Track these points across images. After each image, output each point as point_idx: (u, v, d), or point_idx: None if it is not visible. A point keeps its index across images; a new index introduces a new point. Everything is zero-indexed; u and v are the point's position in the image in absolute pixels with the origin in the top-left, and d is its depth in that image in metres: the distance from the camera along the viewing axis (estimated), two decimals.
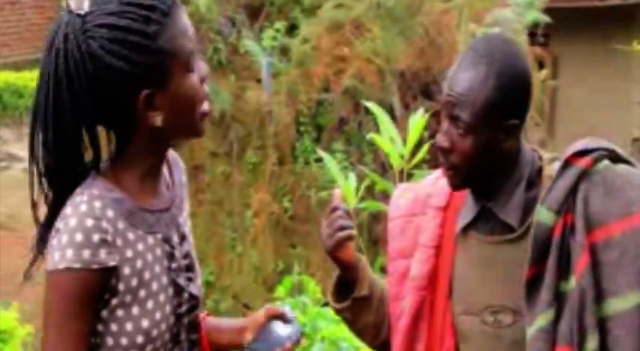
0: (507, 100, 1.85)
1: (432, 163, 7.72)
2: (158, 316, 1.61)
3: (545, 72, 9.76)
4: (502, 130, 1.87)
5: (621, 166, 1.87)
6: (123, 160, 1.63)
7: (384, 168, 7.33)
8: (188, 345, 1.70)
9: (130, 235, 1.59)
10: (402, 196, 2.12)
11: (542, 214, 1.82)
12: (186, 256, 1.70)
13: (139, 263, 1.59)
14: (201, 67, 1.63)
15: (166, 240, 1.65)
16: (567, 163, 1.85)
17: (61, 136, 1.57)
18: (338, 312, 2.14)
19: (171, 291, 1.64)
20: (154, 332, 1.60)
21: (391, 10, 8.29)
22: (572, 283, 1.79)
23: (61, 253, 1.53)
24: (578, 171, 1.83)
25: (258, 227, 8.27)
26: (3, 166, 10.46)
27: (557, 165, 1.91)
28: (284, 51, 8.37)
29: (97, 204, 1.55)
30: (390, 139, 3.33)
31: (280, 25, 8.36)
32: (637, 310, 1.77)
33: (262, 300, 7.84)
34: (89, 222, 1.53)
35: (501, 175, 1.92)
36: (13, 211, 8.08)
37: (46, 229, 1.61)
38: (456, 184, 1.93)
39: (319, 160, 7.45)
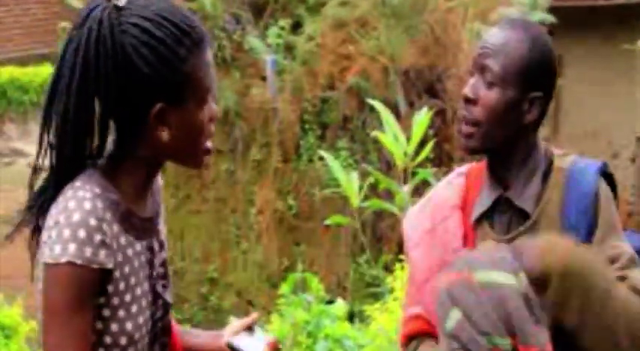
0: (537, 67, 1.92)
1: (435, 161, 7.72)
2: (140, 320, 1.64)
3: None
4: (527, 99, 1.91)
5: None
6: (122, 164, 1.65)
7: (388, 166, 7.33)
8: (160, 348, 1.75)
9: (122, 240, 1.61)
10: (418, 217, 2.10)
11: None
12: (163, 264, 1.74)
13: (127, 268, 1.62)
14: (213, 107, 1.68)
15: (149, 248, 1.69)
16: None
17: (80, 113, 1.59)
18: None
19: (150, 297, 1.68)
20: (136, 335, 1.63)
21: (396, 8, 8.29)
22: None
23: (63, 246, 1.53)
24: None
25: (263, 224, 8.28)
26: (7, 162, 10.48)
27: (569, 158, 1.97)
28: (289, 48, 8.37)
29: (99, 204, 1.57)
30: (394, 137, 3.34)
31: (285, 22, 8.36)
32: None
33: (266, 297, 7.85)
34: (92, 221, 1.55)
35: (517, 162, 1.95)
36: (17, 206, 8.10)
37: (40, 215, 1.63)
38: (473, 145, 1.93)
39: (324, 157, 7.46)
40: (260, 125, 8.36)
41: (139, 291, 1.64)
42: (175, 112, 1.61)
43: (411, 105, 7.99)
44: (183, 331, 1.88)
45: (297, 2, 8.48)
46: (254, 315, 1.95)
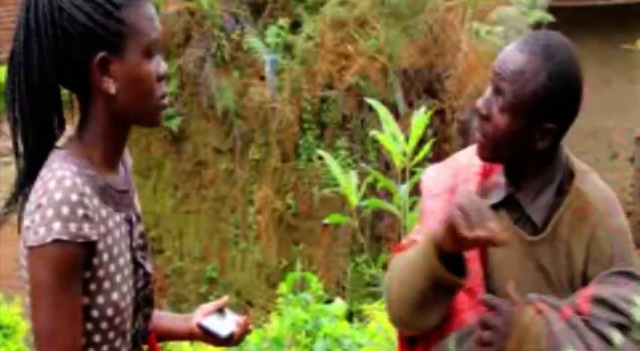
0: (552, 102, 1.85)
1: (434, 161, 7.72)
2: (125, 289, 1.68)
3: None
4: (539, 130, 1.86)
5: None
6: (87, 137, 1.70)
7: (387, 165, 7.34)
8: (144, 318, 1.79)
9: (103, 212, 1.66)
10: (442, 172, 2.08)
11: None
12: (142, 235, 1.79)
13: (109, 239, 1.66)
14: (162, 64, 1.72)
15: (128, 219, 1.74)
16: None
17: (32, 95, 1.65)
18: (449, 282, 1.91)
19: (131, 267, 1.73)
20: (122, 304, 1.67)
21: (395, 8, 8.29)
22: None
23: (48, 226, 1.57)
24: None
25: (262, 224, 8.28)
26: (5, 161, 10.47)
27: (590, 178, 1.93)
28: (288, 48, 8.37)
29: (78, 180, 1.60)
30: (393, 137, 3.34)
31: (284, 22, 8.36)
32: None
33: (265, 296, 7.85)
34: (74, 197, 1.58)
35: (533, 170, 1.92)
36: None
37: (17, 194, 1.68)
38: (484, 155, 1.93)
39: (322, 157, 7.47)
40: (259, 125, 8.36)
41: (121, 261, 1.68)
42: (118, 62, 1.65)
43: (410, 105, 8.00)
44: (155, 314, 1.90)
45: (296, 2, 8.48)
46: (225, 298, 2.00)
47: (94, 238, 1.61)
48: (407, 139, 3.36)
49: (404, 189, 3.44)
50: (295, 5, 8.49)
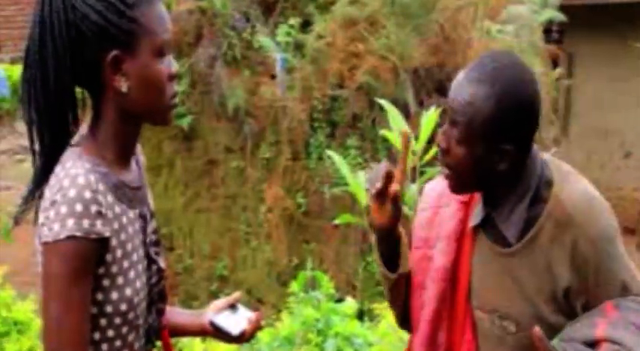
0: (504, 124, 1.85)
1: None
2: (138, 284, 1.71)
3: (559, 70, 9.73)
4: (496, 153, 1.87)
5: None
6: (99, 136, 1.72)
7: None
8: (157, 313, 1.83)
9: (117, 209, 1.68)
10: (433, 189, 2.16)
11: None
12: (155, 231, 1.82)
13: (123, 235, 1.68)
14: (173, 64, 1.74)
15: (141, 215, 1.77)
16: None
17: (48, 94, 1.66)
18: (388, 281, 2.14)
19: (145, 263, 1.76)
20: (135, 300, 1.70)
21: (406, 7, 8.29)
22: None
23: (62, 223, 1.59)
24: None
25: (272, 222, 8.29)
26: (18, 159, 10.51)
27: (571, 182, 1.91)
28: (298, 47, 8.37)
29: (92, 177, 1.63)
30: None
31: (294, 21, 8.36)
32: None
33: (276, 295, 7.86)
34: (87, 194, 1.61)
35: (503, 189, 1.94)
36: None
37: (34, 191, 1.70)
38: (452, 188, 1.97)
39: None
40: (269, 123, 8.37)
41: (135, 257, 1.71)
42: (131, 61, 1.67)
43: (421, 104, 7.99)
44: (168, 310, 1.93)
45: (307, 1, 8.49)
46: (237, 294, 2.02)
47: (107, 234, 1.63)
48: (417, 138, 3.36)
49: (413, 188, 3.44)
50: (306, 4, 8.50)
